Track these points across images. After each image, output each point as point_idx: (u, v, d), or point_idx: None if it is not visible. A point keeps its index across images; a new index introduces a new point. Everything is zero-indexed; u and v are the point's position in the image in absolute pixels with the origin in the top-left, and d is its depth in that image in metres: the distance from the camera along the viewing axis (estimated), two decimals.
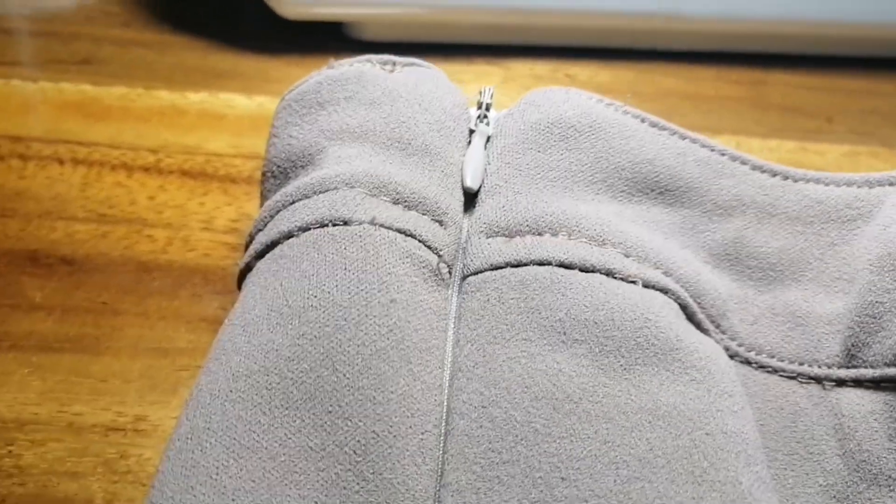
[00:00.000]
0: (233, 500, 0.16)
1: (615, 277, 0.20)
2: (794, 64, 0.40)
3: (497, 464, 0.17)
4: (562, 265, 0.20)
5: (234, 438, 0.17)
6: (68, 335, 0.24)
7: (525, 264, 0.20)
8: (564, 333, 0.19)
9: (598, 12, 0.36)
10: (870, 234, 0.23)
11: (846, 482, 0.19)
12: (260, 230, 0.22)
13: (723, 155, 0.24)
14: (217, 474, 0.16)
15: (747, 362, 0.21)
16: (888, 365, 0.20)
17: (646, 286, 0.20)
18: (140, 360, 0.23)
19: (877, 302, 0.21)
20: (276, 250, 0.20)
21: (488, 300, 0.20)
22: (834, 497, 0.19)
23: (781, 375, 0.21)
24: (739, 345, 0.21)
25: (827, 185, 0.24)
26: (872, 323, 0.21)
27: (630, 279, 0.20)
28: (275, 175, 0.23)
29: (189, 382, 0.23)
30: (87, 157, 0.30)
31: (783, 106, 0.37)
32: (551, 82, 0.37)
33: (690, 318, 0.20)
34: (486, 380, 0.18)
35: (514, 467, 0.17)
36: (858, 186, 0.24)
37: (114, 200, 0.28)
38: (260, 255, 0.21)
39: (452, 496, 0.17)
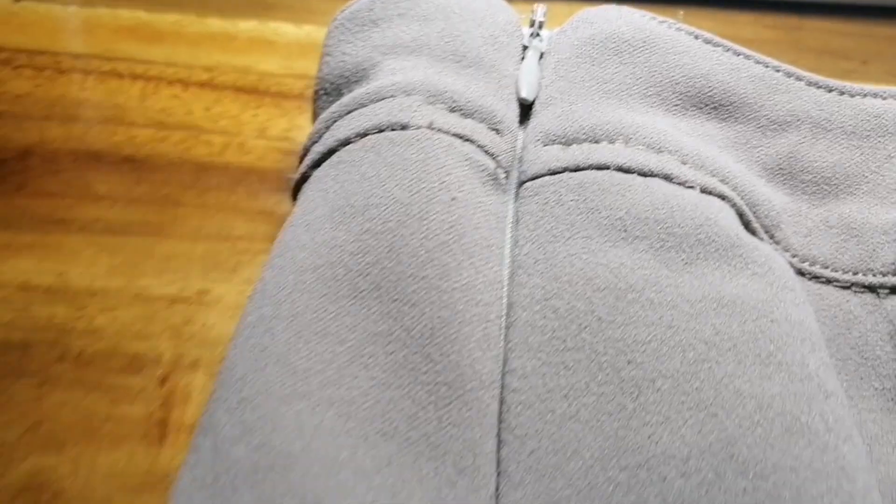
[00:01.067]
0: (303, 379, 0.16)
1: (673, 182, 0.20)
2: (829, 11, 0.40)
3: (561, 350, 0.17)
4: (620, 169, 0.20)
5: (303, 325, 0.17)
6: (133, 221, 0.25)
7: (583, 169, 0.20)
8: (625, 231, 0.19)
9: None
10: None
11: None
12: (315, 142, 0.22)
13: (777, 71, 0.24)
14: (287, 356, 0.16)
15: (801, 273, 0.21)
16: None
17: (703, 191, 0.20)
18: (201, 244, 0.24)
19: None
20: (334, 157, 0.21)
21: (546, 203, 0.20)
22: (891, 399, 0.19)
23: (835, 285, 0.21)
24: (793, 255, 0.21)
25: (885, 98, 0.24)
26: None
27: (688, 184, 0.20)
28: (328, 92, 0.23)
29: (249, 264, 0.24)
30: (144, 72, 0.31)
31: (819, 49, 0.38)
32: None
33: (746, 225, 0.21)
34: (547, 275, 0.18)
35: (579, 353, 0.17)
36: None
37: (171, 110, 0.30)
38: (316, 164, 0.21)
39: (518, 380, 0.17)
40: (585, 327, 0.18)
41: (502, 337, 0.18)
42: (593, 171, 0.20)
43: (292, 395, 0.16)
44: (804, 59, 0.36)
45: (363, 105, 0.21)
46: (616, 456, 0.16)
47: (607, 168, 0.20)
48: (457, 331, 0.17)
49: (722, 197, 0.20)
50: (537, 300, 0.18)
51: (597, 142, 0.21)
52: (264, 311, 0.18)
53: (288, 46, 0.34)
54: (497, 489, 0.16)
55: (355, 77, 0.23)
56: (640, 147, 0.21)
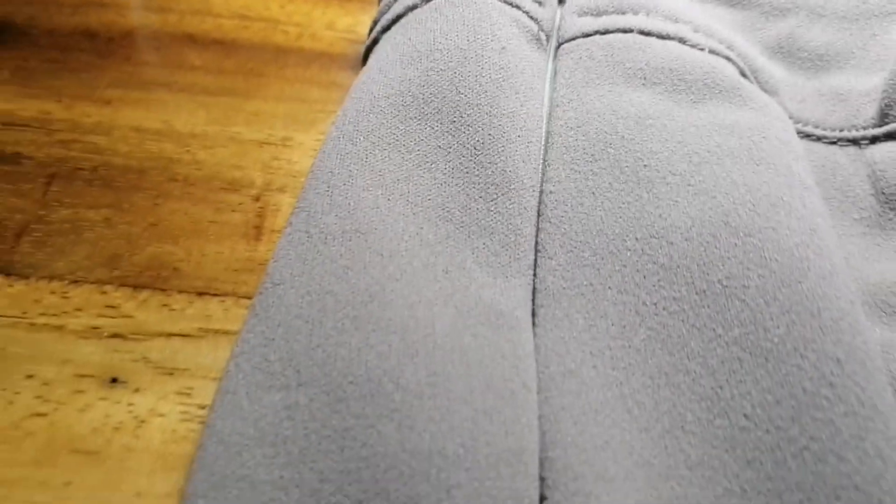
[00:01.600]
0: (379, 175, 0.20)
1: (686, 44, 0.24)
2: None
3: (590, 162, 0.21)
4: (642, 33, 0.24)
5: (378, 137, 0.21)
6: (224, 86, 0.29)
7: (611, 32, 0.24)
8: (644, 78, 0.23)
9: None
10: None
11: (877, 213, 0.23)
12: (385, 12, 0.26)
13: None
14: (366, 158, 0.21)
15: (798, 133, 0.24)
16: None
17: (711, 52, 0.24)
18: (283, 104, 0.28)
19: None
20: (402, 21, 0.25)
21: (580, 58, 0.24)
22: (867, 225, 0.23)
23: (824, 142, 0.25)
24: (789, 117, 0.25)
25: None
26: None
27: (699, 47, 0.24)
28: None
29: (324, 121, 0.28)
30: None
31: None
32: None
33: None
34: (579, 110, 0.22)
35: (605, 163, 0.21)
36: None
37: (251, 6, 0.34)
38: (386, 28, 0.25)
39: (553, 185, 0.21)
40: (610, 144, 0.21)
41: (541, 155, 0.22)
42: (619, 34, 0.24)
43: (371, 185, 0.20)
44: None
45: None
46: (633, 231, 0.20)
47: (631, 31, 0.24)
48: (504, 146, 0.21)
49: (727, 59, 0.24)
50: (570, 127, 0.22)
51: (623, 13, 0.25)
52: (346, 129, 0.22)
53: None
54: (535, 261, 0.20)
55: None
56: (659, 17, 0.24)
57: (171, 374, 0.20)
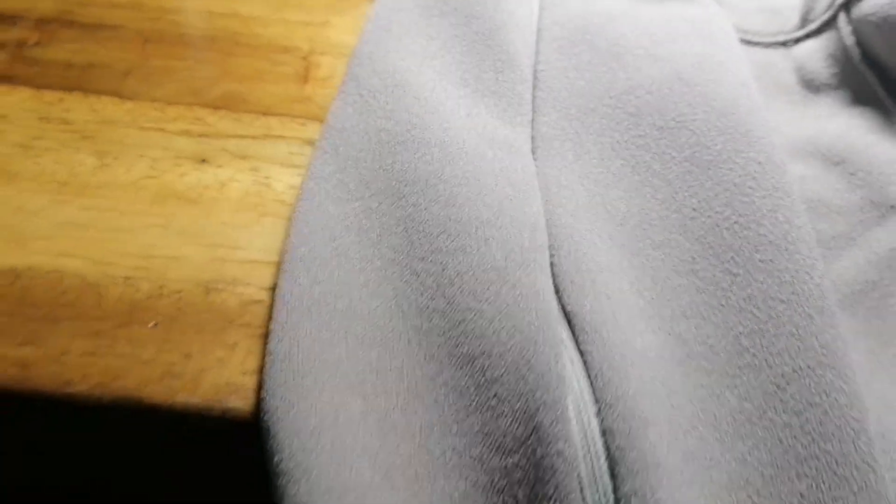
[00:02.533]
0: (411, 52, 0.27)
1: None
2: None
3: (572, 45, 0.28)
4: None
5: (408, 26, 0.28)
6: None
7: None
8: None
9: None
10: None
11: (801, 95, 0.29)
12: None
13: None
14: (400, 41, 0.27)
15: (741, 40, 0.31)
16: (824, 13, 0.30)
17: None
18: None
19: None
20: None
21: None
22: (793, 104, 0.29)
23: (761, 45, 0.31)
24: (736, 28, 0.31)
25: None
26: None
27: None
28: None
29: (354, 10, 0.35)
30: None
31: None
32: None
33: None
34: (562, 10, 0.29)
35: (584, 45, 0.28)
36: None
37: None
38: None
39: (544, 63, 0.27)
40: (587, 32, 0.28)
41: (534, 42, 0.28)
42: None
43: (405, 58, 0.27)
44: None
45: None
46: (607, 91, 0.26)
47: None
48: (505, 35, 0.28)
49: None
50: (556, 22, 0.29)
51: None
52: (380, 22, 0.29)
53: None
54: (533, 118, 0.26)
55: None
56: None
57: (244, 158, 0.27)
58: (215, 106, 0.29)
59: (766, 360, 0.19)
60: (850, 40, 0.29)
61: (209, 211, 0.25)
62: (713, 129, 0.23)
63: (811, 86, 0.29)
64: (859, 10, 0.28)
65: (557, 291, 0.20)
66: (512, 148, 0.24)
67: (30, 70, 0.30)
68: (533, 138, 0.25)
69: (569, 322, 0.20)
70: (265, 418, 0.18)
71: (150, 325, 0.21)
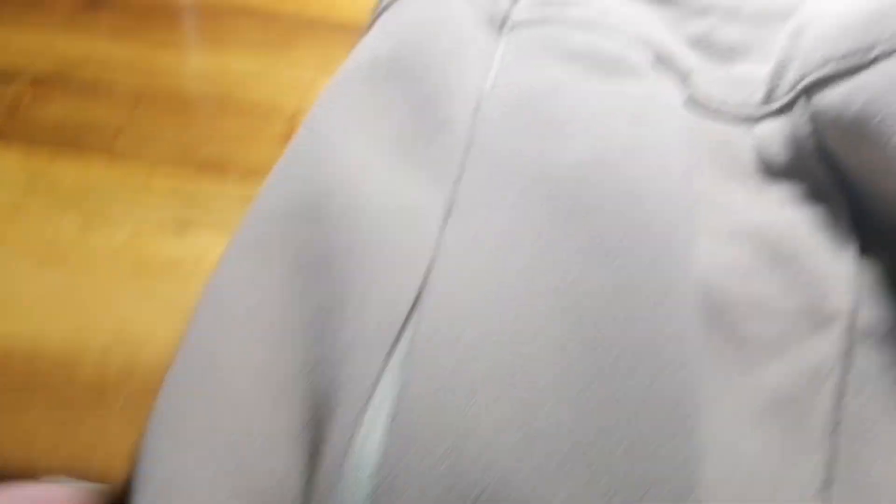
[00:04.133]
0: (353, 114, 0.26)
1: (609, 34, 0.29)
2: None
3: (514, 112, 0.26)
4: (575, 23, 0.29)
5: (357, 89, 0.27)
6: (267, 42, 0.37)
7: (551, 21, 0.29)
8: (568, 58, 0.28)
9: None
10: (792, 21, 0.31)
11: (757, 178, 0.27)
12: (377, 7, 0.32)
13: None
14: (346, 105, 0.26)
15: (704, 106, 0.29)
16: (786, 94, 0.28)
17: (629, 42, 0.29)
18: (314, 58, 0.36)
19: (785, 57, 0.28)
20: (392, 7, 0.31)
21: (522, 39, 0.29)
22: (751, 185, 0.27)
23: (725, 117, 0.29)
24: (700, 96, 0.29)
25: None
26: (781, 70, 0.28)
27: (619, 36, 0.29)
28: None
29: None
30: None
31: None
32: None
33: (666, 70, 0.29)
34: (512, 76, 0.28)
35: (524, 113, 0.26)
36: None
37: None
38: (385, 9, 0.31)
39: (484, 126, 0.26)
40: (531, 99, 0.27)
41: (477, 106, 0.27)
42: (555, 24, 0.29)
43: (345, 123, 0.26)
44: None
45: None
46: (534, 162, 0.25)
47: (566, 22, 0.29)
48: (446, 99, 0.26)
49: (643, 46, 0.29)
50: (503, 87, 0.27)
51: (566, 5, 0.30)
52: (336, 81, 0.28)
53: None
54: (457, 181, 0.25)
55: None
56: (592, 10, 0.30)
57: (224, 225, 0.27)
58: (202, 167, 0.30)
59: (623, 456, 0.19)
60: (805, 130, 0.27)
61: (185, 284, 0.26)
62: (619, 216, 0.23)
63: (769, 170, 0.28)
64: (819, 100, 0.26)
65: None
66: (419, 216, 0.24)
67: (23, 128, 0.31)
68: (451, 202, 0.24)
69: None
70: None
71: (119, 405, 0.22)
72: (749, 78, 0.30)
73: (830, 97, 0.25)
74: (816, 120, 0.26)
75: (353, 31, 0.39)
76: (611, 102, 0.26)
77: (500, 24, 0.30)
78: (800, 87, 0.27)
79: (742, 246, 0.25)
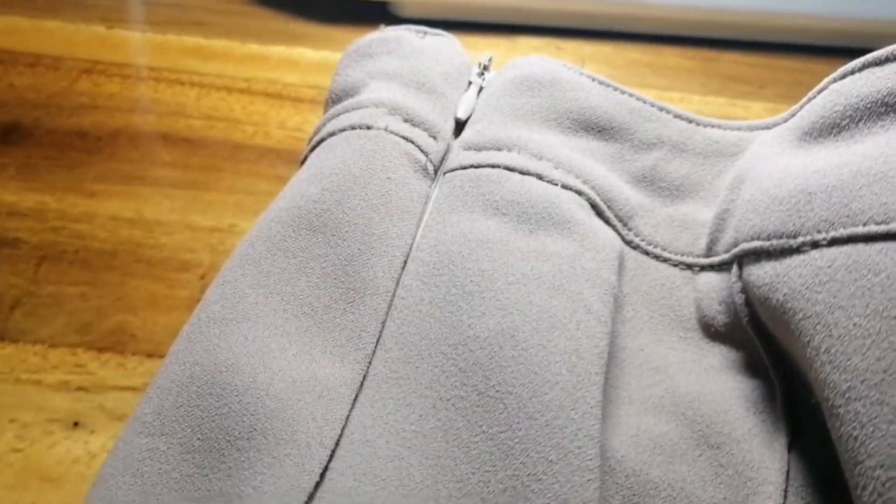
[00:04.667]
0: (265, 275, 0.24)
1: (543, 180, 0.27)
2: (746, 47, 0.49)
3: (435, 275, 0.25)
4: (506, 168, 0.27)
5: (273, 243, 0.25)
6: (188, 179, 0.35)
7: (483, 166, 0.27)
8: (497, 208, 0.26)
9: (584, 1, 0.47)
10: (737, 163, 0.29)
11: (698, 334, 0.26)
12: (317, 133, 0.31)
13: (652, 106, 0.30)
14: (258, 262, 0.24)
15: (646, 252, 0.28)
16: (724, 252, 0.27)
17: (564, 187, 0.27)
18: (234, 196, 0.35)
19: (725, 209, 0.27)
20: (324, 143, 0.29)
21: (452, 188, 0.27)
22: (688, 343, 0.26)
23: (668, 263, 0.28)
24: (642, 239, 0.28)
25: (724, 129, 0.30)
26: (721, 224, 0.27)
27: (553, 182, 0.27)
28: (333, 100, 0.31)
29: (264, 209, 0.34)
30: (200, 81, 0.42)
31: (727, 76, 0.47)
32: (545, 52, 0.48)
33: (599, 214, 0.27)
34: (439, 231, 0.26)
35: (445, 277, 0.25)
36: (743, 130, 0.30)
37: (218, 108, 0.40)
38: (313, 147, 0.30)
39: (404, 290, 0.25)
40: (452, 261, 0.25)
41: (402, 267, 0.26)
42: (488, 169, 0.27)
43: (256, 284, 0.24)
44: (712, 82, 0.46)
45: (348, 111, 0.29)
46: (448, 336, 0.23)
47: (498, 167, 0.27)
48: (369, 259, 0.25)
49: (579, 192, 0.27)
50: (430, 245, 0.26)
51: (498, 150, 0.28)
52: (252, 235, 0.26)
53: (308, 66, 0.45)
54: (373, 353, 0.24)
55: (351, 92, 0.31)
56: (526, 154, 0.28)
57: (120, 419, 0.26)
58: (101, 347, 0.28)
59: None
60: (739, 298, 0.26)
61: (75, 492, 0.24)
62: (522, 409, 0.21)
63: (707, 329, 0.26)
64: (749, 273, 0.25)
65: None
66: (324, 392, 0.22)
67: None
68: (365, 377, 0.23)
69: None
70: None
71: None
72: (693, 221, 0.29)
73: (759, 274, 0.24)
74: (748, 292, 0.25)
75: (282, 156, 0.38)
76: (531, 266, 0.25)
77: (435, 170, 0.29)
78: (733, 252, 0.26)
79: (671, 422, 0.24)
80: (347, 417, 0.22)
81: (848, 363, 0.20)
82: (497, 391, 0.22)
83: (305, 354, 0.23)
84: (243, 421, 0.21)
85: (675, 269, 0.28)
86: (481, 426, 0.21)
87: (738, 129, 0.30)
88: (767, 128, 0.29)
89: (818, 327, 0.21)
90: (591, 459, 0.21)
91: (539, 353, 0.22)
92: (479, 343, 0.23)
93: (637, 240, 0.28)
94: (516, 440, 0.21)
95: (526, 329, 0.23)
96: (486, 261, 0.25)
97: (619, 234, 0.28)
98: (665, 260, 0.28)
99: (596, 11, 0.48)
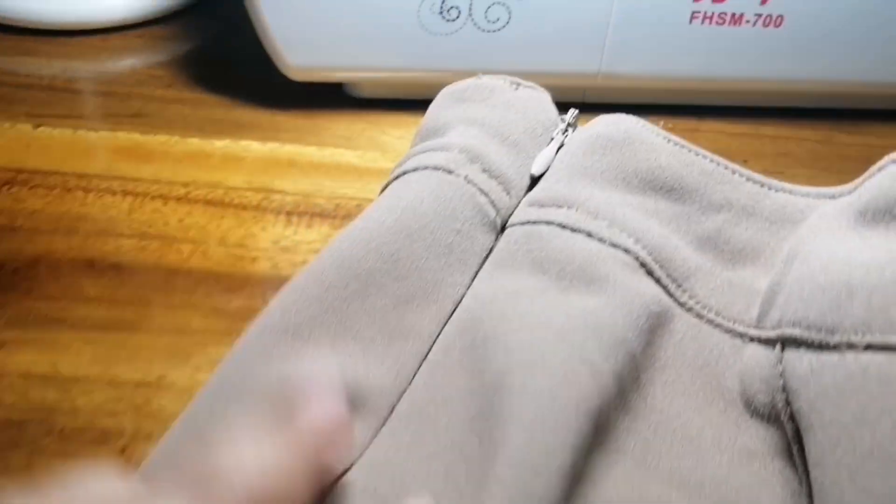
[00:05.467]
0: (328, 290, 0.25)
1: (592, 237, 0.27)
2: (725, 113, 0.46)
3: (469, 324, 0.26)
4: (559, 225, 0.28)
5: (345, 261, 0.26)
6: (113, 319, 0.32)
7: (538, 223, 0.28)
8: (540, 266, 0.27)
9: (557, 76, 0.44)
10: (796, 233, 0.29)
11: (738, 409, 0.25)
12: (400, 165, 0.32)
13: (725, 168, 0.30)
14: (326, 290, 0.25)
15: (699, 315, 0.27)
16: (773, 329, 0.26)
17: (612, 245, 0.27)
18: (164, 337, 0.31)
19: (777, 282, 0.27)
20: (404, 177, 0.30)
21: (507, 242, 0.28)
22: (727, 418, 0.25)
23: (720, 328, 0.27)
24: (696, 302, 0.28)
25: (793, 195, 0.30)
26: (772, 297, 0.27)
27: (602, 239, 0.27)
28: (421, 136, 0.33)
29: (199, 354, 0.30)
30: (134, 189, 0.39)
31: (709, 149, 0.44)
32: None
33: (649, 273, 0.27)
34: (486, 283, 0.27)
35: (476, 325, 0.26)
36: (812, 197, 0.30)
37: (152, 222, 0.37)
38: (395, 178, 0.31)
39: (443, 336, 0.26)
40: (484, 312, 0.26)
41: (448, 316, 0.27)
42: (542, 225, 0.28)
43: (319, 299, 0.25)
44: None
45: (433, 150, 0.31)
46: (468, 382, 0.24)
47: (552, 224, 0.28)
48: (421, 303, 0.26)
49: (627, 251, 0.27)
50: (472, 296, 0.27)
51: (558, 207, 0.29)
52: (330, 248, 0.27)
53: (253, 163, 0.41)
54: (404, 390, 0.25)
55: (438, 131, 0.32)
56: (583, 212, 0.28)
57: None
58: None
59: None
60: (777, 382, 0.24)
61: None
62: (502, 455, 0.21)
63: (748, 405, 0.25)
64: (788, 358, 0.24)
65: None
66: (360, 404, 0.24)
67: None
68: (393, 409, 0.24)
69: None
70: None
71: None
72: (750, 288, 0.28)
73: (796, 364, 0.24)
74: (785, 377, 0.24)
75: (222, 280, 0.34)
76: (546, 316, 0.25)
77: (502, 225, 0.30)
78: (777, 332, 0.25)
79: (693, 501, 0.23)
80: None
81: (868, 485, 0.20)
82: (490, 437, 0.22)
83: (350, 371, 0.24)
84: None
85: (726, 336, 0.27)
86: (476, 474, 0.22)
87: (807, 195, 0.30)
88: (833, 197, 0.29)
89: (843, 439, 0.21)
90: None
91: (520, 393, 0.22)
92: (485, 389, 0.23)
93: (691, 302, 0.28)
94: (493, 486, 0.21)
95: (517, 372, 0.23)
96: (511, 310, 0.26)
97: (672, 294, 0.27)
98: (717, 325, 0.27)
99: (569, 84, 0.45)
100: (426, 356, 0.26)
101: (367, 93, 0.46)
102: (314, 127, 0.44)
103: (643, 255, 0.27)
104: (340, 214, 0.38)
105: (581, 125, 0.33)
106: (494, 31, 0.42)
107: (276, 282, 0.34)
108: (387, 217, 0.27)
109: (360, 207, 0.38)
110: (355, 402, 0.23)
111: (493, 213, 0.29)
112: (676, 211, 0.29)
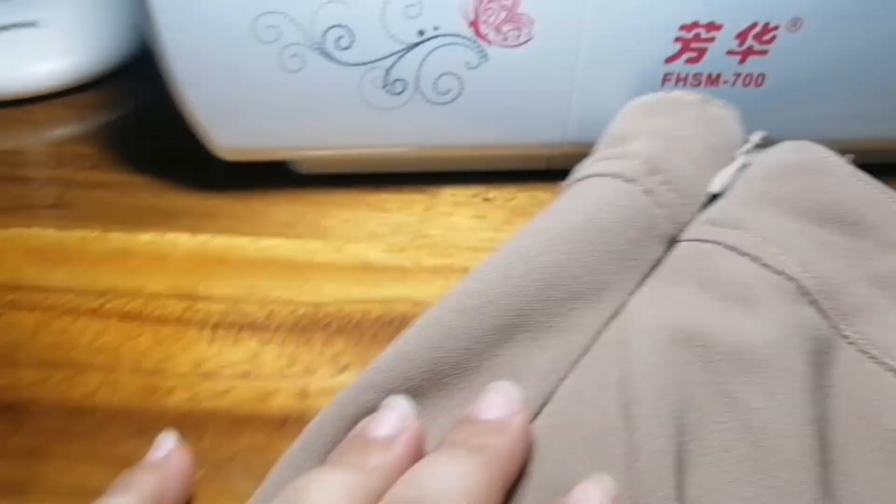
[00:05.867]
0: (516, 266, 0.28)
1: (758, 262, 0.28)
2: None
3: (617, 329, 0.27)
4: (727, 247, 0.28)
5: (534, 245, 0.28)
6: (2, 479, 0.27)
7: (708, 242, 0.29)
8: (701, 285, 0.28)
9: (509, 145, 0.40)
10: None
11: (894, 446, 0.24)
12: (581, 169, 0.33)
13: None
14: (506, 278, 0.27)
15: (863, 351, 0.27)
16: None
17: (776, 272, 0.27)
18: (60, 499, 0.27)
19: None
20: (584, 181, 0.31)
21: (675, 257, 0.29)
22: (883, 455, 0.24)
23: (884, 367, 0.27)
24: (861, 337, 0.27)
25: None
26: None
27: (766, 265, 0.28)
28: (607, 143, 0.34)
29: None
30: (42, 302, 0.34)
31: None
32: (470, 207, 0.40)
33: (811, 302, 0.27)
34: (646, 292, 0.29)
35: (620, 328, 0.27)
36: None
37: (59, 345, 0.32)
38: (577, 181, 0.32)
39: (603, 336, 0.27)
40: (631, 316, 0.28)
41: (612, 314, 0.28)
42: (711, 245, 0.29)
43: (505, 277, 0.27)
44: None
45: (616, 157, 0.32)
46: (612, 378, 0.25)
47: (720, 244, 0.29)
48: (588, 303, 0.28)
49: (790, 279, 0.27)
50: (641, 304, 0.28)
51: (732, 228, 0.29)
52: (527, 231, 0.29)
53: (178, 261, 0.37)
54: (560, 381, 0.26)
55: (623, 139, 0.33)
56: (755, 237, 0.29)
57: None
58: None
59: None
60: None
61: None
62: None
63: None
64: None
65: None
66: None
67: None
68: (546, 401, 0.26)
69: None
70: None
71: None
72: None
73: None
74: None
75: (132, 420, 0.30)
76: (721, 331, 0.26)
77: (674, 239, 0.31)
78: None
79: None
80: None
81: None
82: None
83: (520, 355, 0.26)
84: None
85: (888, 375, 0.27)
86: (621, 461, 0.23)
87: None
88: None
89: None
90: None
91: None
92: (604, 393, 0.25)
93: (856, 336, 0.28)
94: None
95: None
96: (688, 326, 0.26)
97: (835, 326, 0.27)
98: (882, 363, 0.27)
99: (531, 154, 0.40)
100: (587, 349, 0.27)
101: (309, 170, 0.42)
102: (251, 213, 0.40)
103: (809, 283, 0.27)
104: (272, 325, 0.33)
105: (761, 150, 0.33)
106: (445, 102, 0.38)
107: (190, 419, 0.29)
108: (573, 216, 0.29)
109: (294, 314, 0.34)
110: (517, 380, 0.25)
111: (666, 225, 0.30)
112: (852, 245, 0.29)
